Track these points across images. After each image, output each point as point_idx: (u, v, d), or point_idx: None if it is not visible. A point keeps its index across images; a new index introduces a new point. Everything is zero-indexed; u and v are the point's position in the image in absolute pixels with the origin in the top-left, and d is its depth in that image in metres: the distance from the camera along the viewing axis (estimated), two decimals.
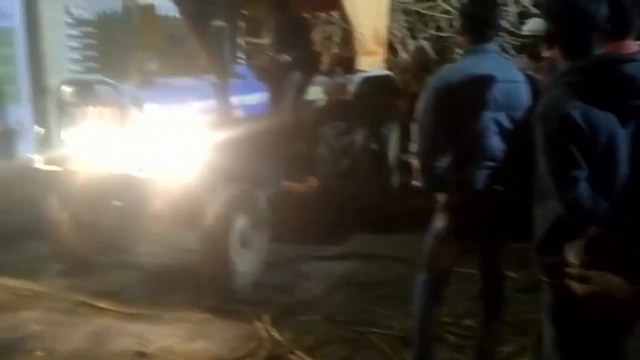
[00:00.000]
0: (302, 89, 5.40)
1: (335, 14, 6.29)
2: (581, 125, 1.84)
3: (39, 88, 5.01)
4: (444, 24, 7.43)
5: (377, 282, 4.30)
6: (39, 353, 3.36)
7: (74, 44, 7.03)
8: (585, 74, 1.94)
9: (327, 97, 5.32)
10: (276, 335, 3.49)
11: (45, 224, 4.36)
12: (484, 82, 2.58)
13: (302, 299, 4.09)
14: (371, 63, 5.60)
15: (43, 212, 4.22)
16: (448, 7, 7.35)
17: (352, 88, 5.25)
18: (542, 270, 2.06)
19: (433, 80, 2.66)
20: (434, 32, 7.35)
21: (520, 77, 2.70)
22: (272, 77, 5.46)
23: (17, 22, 5.88)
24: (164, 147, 4.03)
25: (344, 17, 5.59)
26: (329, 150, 5.25)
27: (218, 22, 4.25)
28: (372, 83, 5.47)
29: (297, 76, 5.42)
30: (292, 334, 3.53)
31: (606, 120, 1.83)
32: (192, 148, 4.04)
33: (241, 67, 5.28)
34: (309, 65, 5.49)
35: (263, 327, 3.56)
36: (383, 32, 5.92)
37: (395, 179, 5.94)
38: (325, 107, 5.37)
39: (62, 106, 4.12)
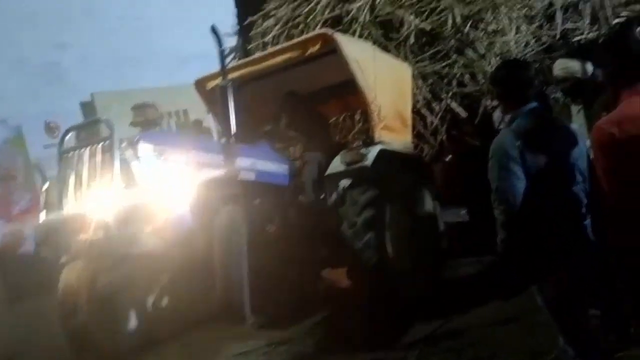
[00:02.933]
0: (322, 170, 5.30)
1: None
2: None
3: None
4: (465, 78, 7.24)
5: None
6: None
7: None
8: None
9: (346, 165, 5.08)
10: None
11: None
12: (548, 136, 2.89)
13: None
14: (393, 139, 5.45)
15: None
16: (466, 60, 7.18)
17: (370, 158, 5.00)
18: None
19: (498, 148, 2.87)
20: (457, 90, 7.15)
21: (562, 122, 3.27)
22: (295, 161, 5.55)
23: None
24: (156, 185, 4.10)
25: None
26: (351, 229, 4.94)
27: (224, 81, 4.29)
28: (393, 155, 5.28)
29: (317, 158, 5.43)
30: None
31: None
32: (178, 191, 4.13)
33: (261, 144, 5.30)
34: (327, 146, 5.49)
35: None
36: (407, 113, 5.91)
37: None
38: (344, 175, 5.12)
39: (64, 152, 4.29)
